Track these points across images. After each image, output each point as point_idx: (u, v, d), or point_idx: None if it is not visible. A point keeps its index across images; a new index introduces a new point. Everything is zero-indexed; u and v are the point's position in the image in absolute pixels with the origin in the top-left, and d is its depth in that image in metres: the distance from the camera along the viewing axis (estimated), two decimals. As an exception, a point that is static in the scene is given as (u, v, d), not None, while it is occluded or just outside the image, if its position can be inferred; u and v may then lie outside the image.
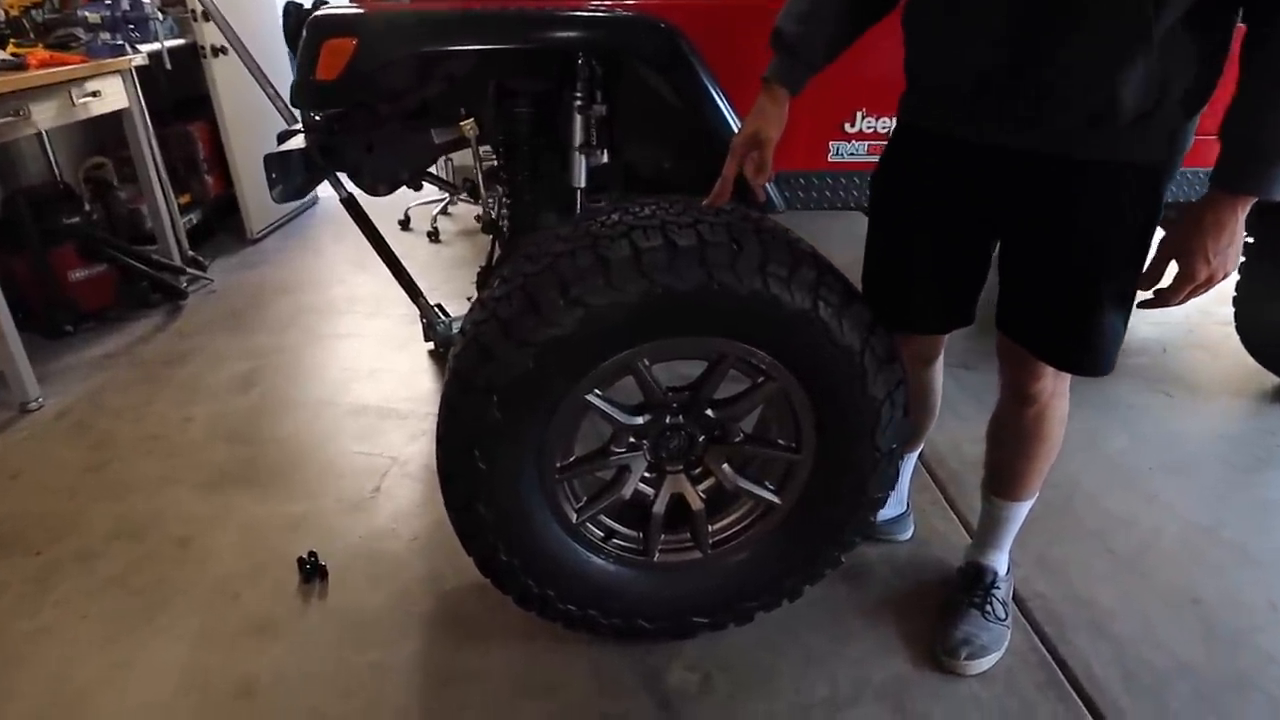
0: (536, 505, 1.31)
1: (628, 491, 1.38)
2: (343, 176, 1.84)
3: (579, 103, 1.59)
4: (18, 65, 2.33)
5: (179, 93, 3.49)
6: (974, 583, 1.51)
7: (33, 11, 2.69)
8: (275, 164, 1.72)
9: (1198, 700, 1.40)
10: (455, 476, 1.27)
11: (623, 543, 1.44)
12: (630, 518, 1.45)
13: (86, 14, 2.72)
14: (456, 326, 1.59)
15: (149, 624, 1.55)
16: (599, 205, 1.37)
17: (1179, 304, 1.06)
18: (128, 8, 2.84)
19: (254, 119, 3.43)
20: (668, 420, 1.34)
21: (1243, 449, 2.17)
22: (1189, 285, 1.02)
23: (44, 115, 2.42)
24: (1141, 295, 1.12)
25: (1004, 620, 1.49)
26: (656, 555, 1.43)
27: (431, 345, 2.60)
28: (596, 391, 1.26)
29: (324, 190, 2.01)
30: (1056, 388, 1.30)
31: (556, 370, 1.19)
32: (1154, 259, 1.08)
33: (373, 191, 1.85)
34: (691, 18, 1.49)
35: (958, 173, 1.17)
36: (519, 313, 1.16)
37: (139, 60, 2.85)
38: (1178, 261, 1.03)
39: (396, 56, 1.51)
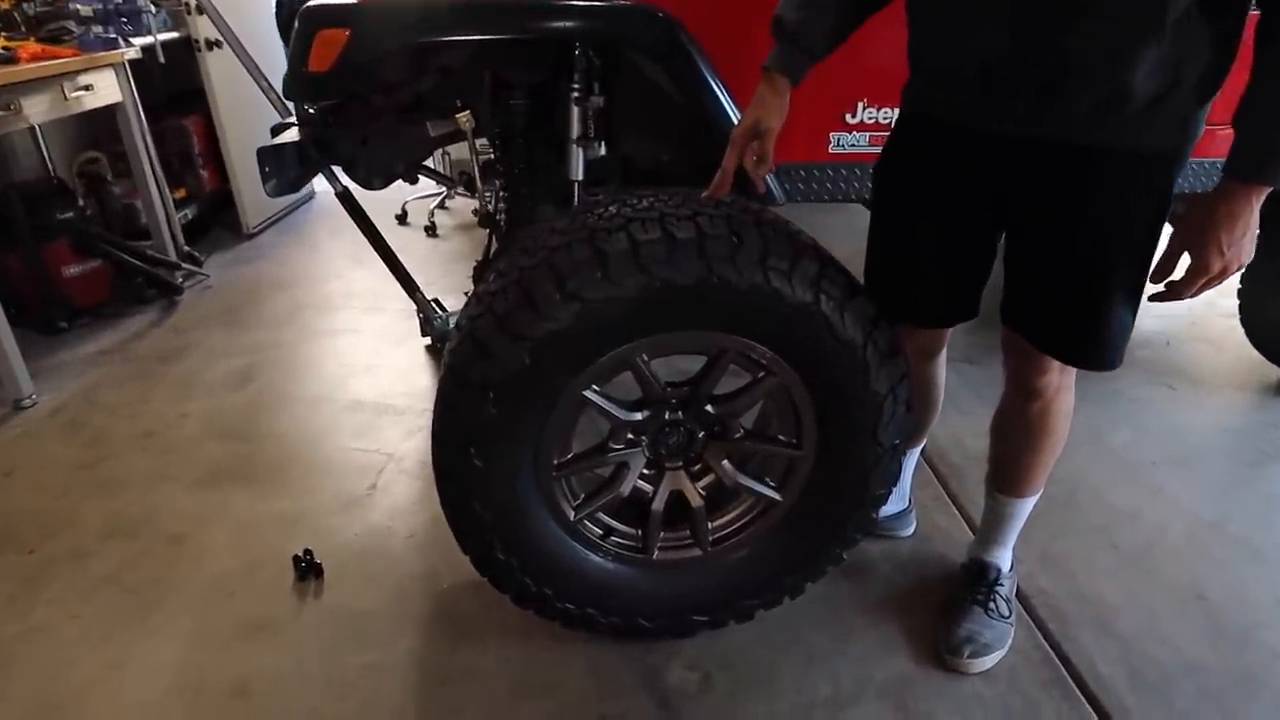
0: (533, 503, 1.29)
1: (626, 488, 1.36)
2: (338, 170, 1.82)
3: (576, 94, 1.57)
4: (9, 59, 2.30)
5: (173, 86, 3.46)
6: (977, 580, 1.50)
7: (24, 5, 2.67)
8: (269, 157, 1.70)
9: (1204, 698, 1.38)
10: (451, 474, 1.26)
11: (621, 540, 1.43)
12: (629, 515, 1.43)
13: (78, 7, 2.70)
14: (454, 321, 1.57)
15: (142, 623, 1.53)
16: (596, 198, 1.35)
17: (1191, 297, 1.04)
18: (120, 1, 2.81)
19: (249, 113, 3.39)
20: (667, 416, 1.33)
21: (1247, 443, 2.16)
22: (1202, 278, 1.00)
23: (36, 109, 2.40)
24: (1151, 288, 1.10)
25: (1008, 617, 1.47)
26: (656, 553, 1.41)
27: (429, 340, 2.58)
28: (594, 387, 1.25)
29: (320, 184, 1.99)
30: (1062, 382, 1.28)
31: (553, 366, 1.17)
32: (1166, 251, 1.06)
33: (368, 185, 1.83)
34: (690, 6, 1.47)
35: (962, 162, 1.15)
36: (515, 307, 1.14)
37: (132, 54, 2.82)
38: (1190, 253, 1.01)
39: (390, 48, 1.49)
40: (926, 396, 1.52)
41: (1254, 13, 0.97)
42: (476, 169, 1.88)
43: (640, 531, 1.42)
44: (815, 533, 1.39)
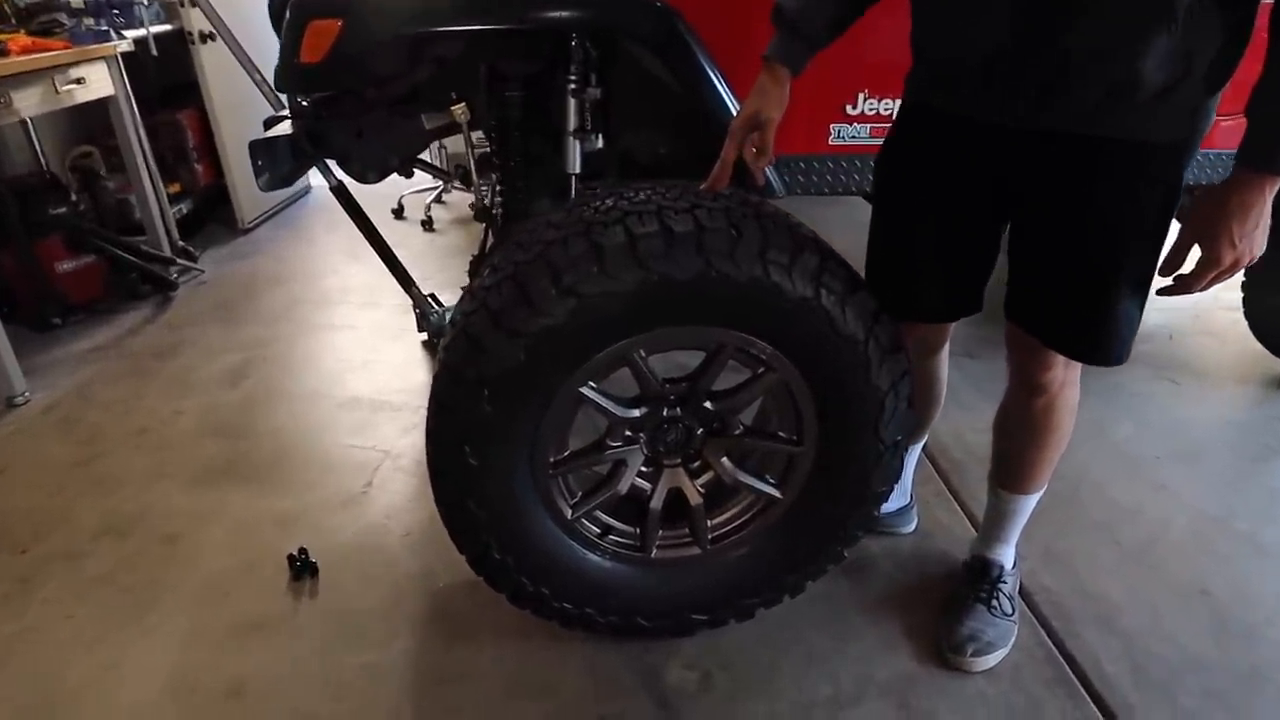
0: (530, 502, 1.28)
1: (624, 486, 1.35)
2: (332, 164, 1.80)
3: (573, 86, 1.55)
4: (-2, 51, 2.28)
5: (167, 80, 3.42)
6: (980, 577, 1.48)
7: (14, -3, 2.64)
8: (261, 151, 1.68)
9: (1209, 696, 1.37)
10: (446, 473, 1.24)
11: (619, 539, 1.41)
12: (627, 513, 1.42)
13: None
14: (450, 316, 1.56)
15: (137, 623, 1.52)
16: (593, 191, 1.33)
17: (1201, 290, 1.02)
18: (112, -8, 2.79)
19: (244, 106, 3.37)
20: (665, 413, 1.31)
21: (1251, 437, 2.14)
22: (1213, 270, 0.98)
23: (27, 103, 2.38)
24: (1158, 281, 1.08)
25: (1010, 615, 1.45)
26: (654, 551, 1.40)
27: (425, 336, 2.57)
28: (591, 384, 1.23)
29: (316, 179, 1.97)
30: (1067, 377, 1.26)
31: (549, 362, 1.15)
32: (1175, 243, 1.03)
33: (362, 179, 1.81)
34: (688, -5, 1.45)
35: (966, 152, 1.13)
36: (510, 303, 1.12)
37: (124, 46, 2.80)
38: (1201, 246, 0.99)
39: (384, 38, 1.47)
40: (928, 392, 1.50)
41: (1267, 1, 0.94)
42: (472, 162, 1.86)
43: (638, 530, 1.41)
44: (816, 530, 1.37)
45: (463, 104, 1.67)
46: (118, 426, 2.16)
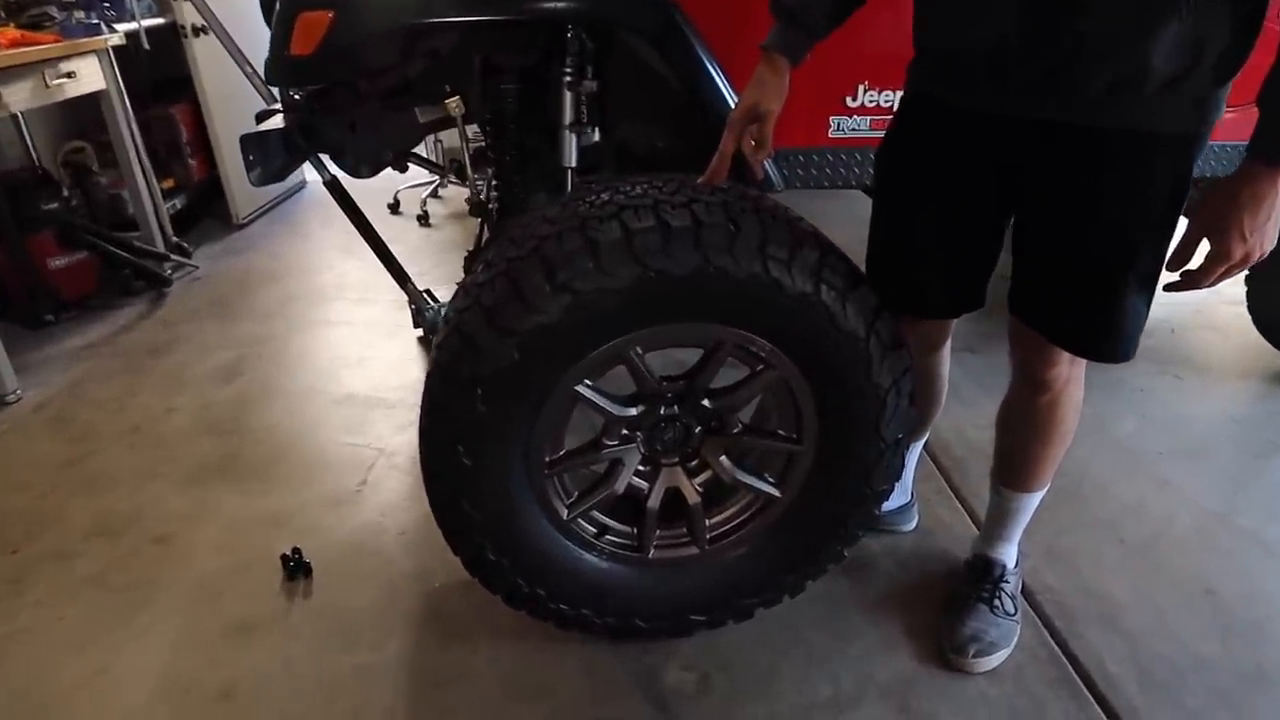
0: (525, 502, 1.26)
1: (621, 486, 1.33)
2: (325, 158, 1.77)
3: (569, 78, 1.53)
4: (-13, 45, 2.25)
5: (159, 74, 3.39)
6: (982, 576, 1.46)
7: (3, -11, 2.61)
8: (253, 145, 1.65)
9: (1214, 696, 1.35)
10: (439, 473, 1.22)
11: (616, 539, 1.39)
12: (624, 513, 1.40)
13: (60, -8, 2.64)
14: (445, 313, 1.54)
15: (128, 625, 1.50)
16: (589, 184, 1.31)
17: (1210, 286, 0.99)
18: (103, -15, 2.76)
19: (238, 100, 3.31)
20: (662, 411, 1.29)
21: (1254, 432, 2.12)
22: (1222, 265, 0.96)
23: (16, 97, 2.34)
24: (1166, 276, 1.06)
25: (1013, 615, 1.44)
26: (652, 551, 1.38)
27: (420, 332, 2.55)
28: (587, 382, 1.21)
29: (311, 173, 1.95)
30: (1072, 374, 1.24)
31: (544, 360, 1.13)
32: (1184, 237, 1.01)
33: (356, 173, 1.79)
34: (686, -14, 1.43)
35: (970, 145, 1.11)
36: (503, 300, 1.10)
37: (116, 40, 2.76)
38: (1210, 239, 0.97)
39: (376, 30, 1.44)
40: (930, 389, 1.48)
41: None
42: (467, 156, 1.84)
43: (636, 530, 1.39)
44: (815, 529, 1.36)
45: (457, 97, 1.65)
46: (110, 424, 2.14)
